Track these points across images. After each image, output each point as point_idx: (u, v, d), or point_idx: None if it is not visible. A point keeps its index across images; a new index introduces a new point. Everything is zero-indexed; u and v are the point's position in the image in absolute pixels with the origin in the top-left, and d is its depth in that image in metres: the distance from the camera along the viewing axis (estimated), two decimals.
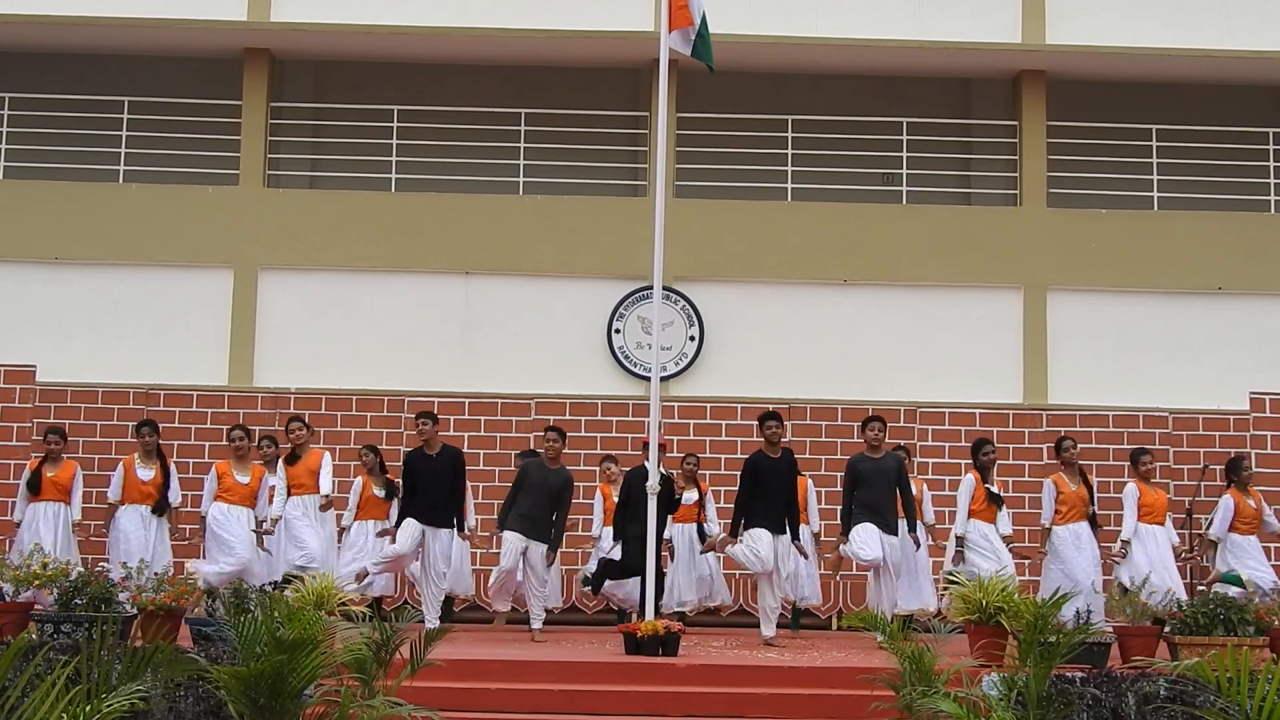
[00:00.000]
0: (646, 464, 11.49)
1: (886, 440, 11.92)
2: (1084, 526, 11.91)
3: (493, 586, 11.97)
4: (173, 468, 12.17)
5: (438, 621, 11.50)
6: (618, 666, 9.76)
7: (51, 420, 13.72)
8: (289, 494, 12.10)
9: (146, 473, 11.91)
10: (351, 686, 6.94)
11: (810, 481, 13.07)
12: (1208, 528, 12.77)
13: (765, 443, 11.52)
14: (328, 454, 12.29)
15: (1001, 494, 12.05)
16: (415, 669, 7.51)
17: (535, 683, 9.24)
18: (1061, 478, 12.03)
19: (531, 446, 13.42)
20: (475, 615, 13.64)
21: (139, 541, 11.72)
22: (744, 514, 11.37)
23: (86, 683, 5.34)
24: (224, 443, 12.42)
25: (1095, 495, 12.08)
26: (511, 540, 11.63)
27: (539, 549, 11.60)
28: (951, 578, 10.49)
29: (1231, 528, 12.07)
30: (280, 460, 12.27)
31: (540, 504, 11.63)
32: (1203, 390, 15.10)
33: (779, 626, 11.83)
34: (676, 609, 12.74)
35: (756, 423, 11.89)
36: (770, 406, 14.31)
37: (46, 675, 5.23)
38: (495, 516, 13.23)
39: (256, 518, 11.94)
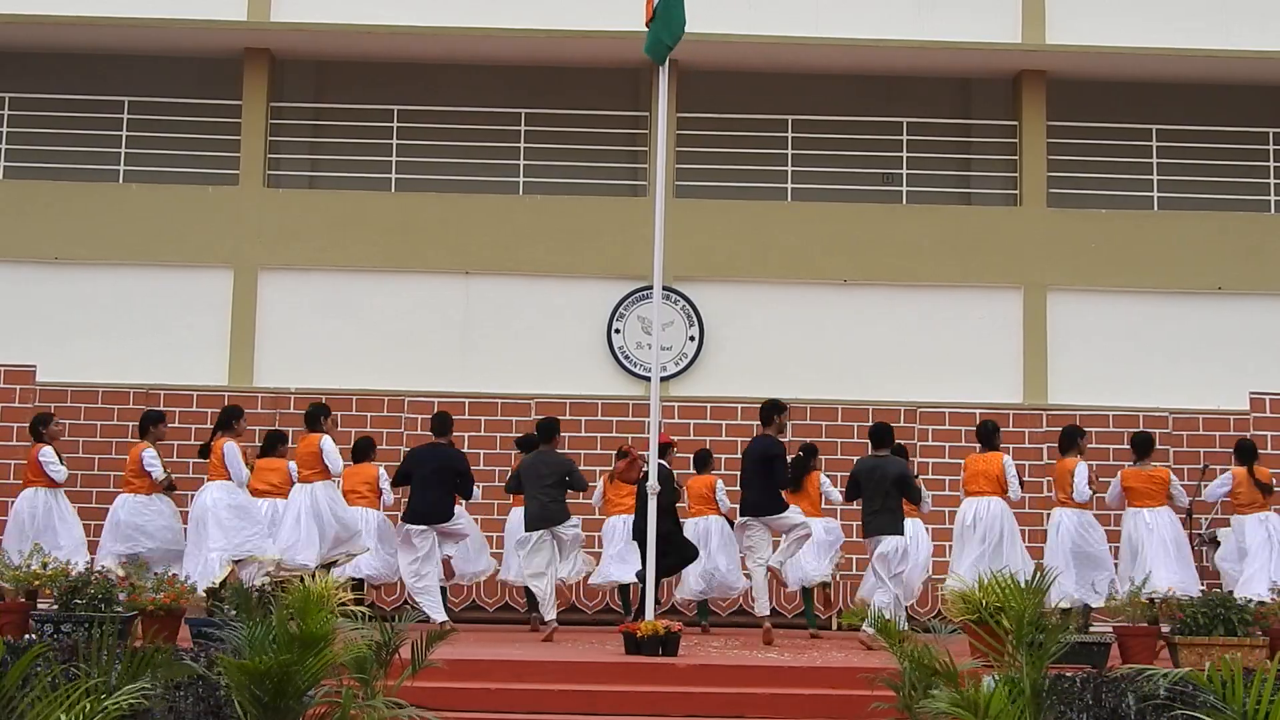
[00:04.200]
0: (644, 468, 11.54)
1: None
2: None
3: (540, 600, 11.89)
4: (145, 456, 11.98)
5: (443, 617, 11.54)
6: (618, 666, 9.76)
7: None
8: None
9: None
10: (352, 687, 6.94)
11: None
12: (1207, 526, 12.79)
13: (776, 430, 11.74)
14: (327, 438, 12.23)
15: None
16: (416, 669, 7.51)
17: (535, 683, 9.25)
18: None
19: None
20: (475, 615, 13.64)
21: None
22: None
23: (85, 680, 5.33)
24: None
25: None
26: (534, 541, 11.62)
27: (557, 531, 11.65)
28: None
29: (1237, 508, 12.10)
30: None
31: (546, 488, 11.61)
32: (1203, 390, 15.10)
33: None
34: (691, 597, 12.75)
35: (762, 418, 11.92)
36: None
37: (45, 675, 5.23)
38: (496, 517, 13.27)
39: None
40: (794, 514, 11.75)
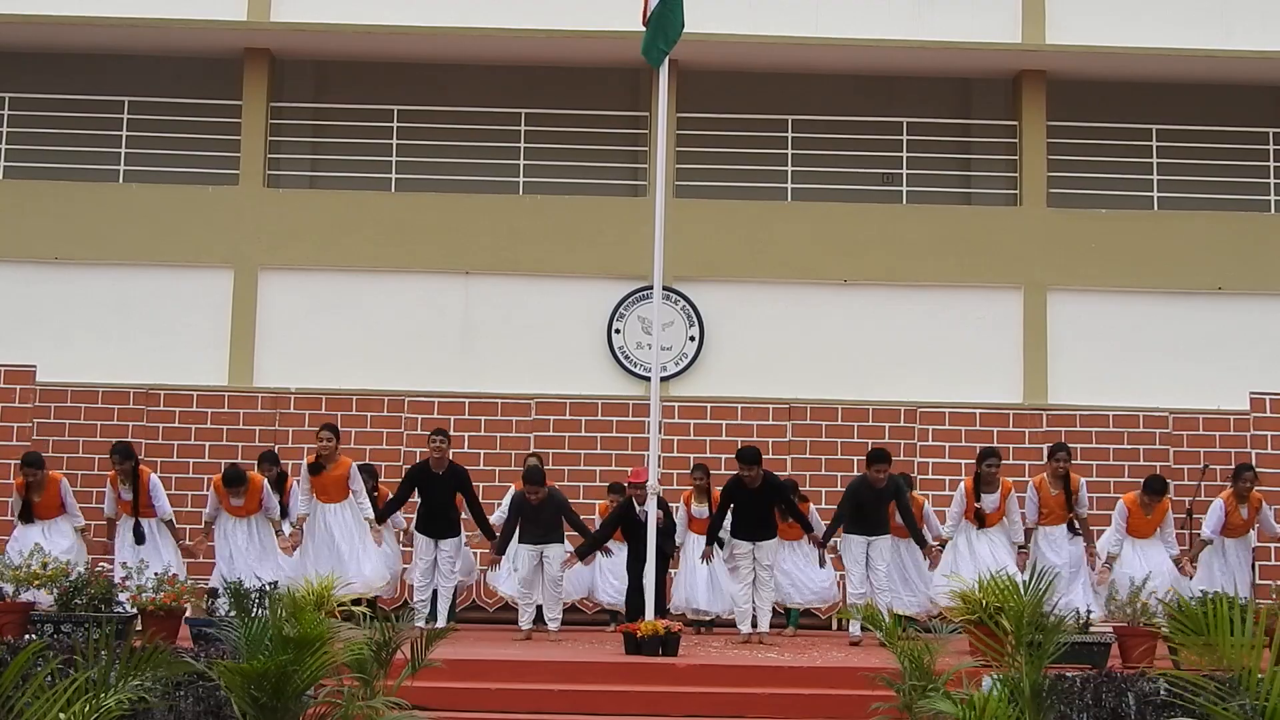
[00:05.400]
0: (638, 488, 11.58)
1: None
2: (1061, 530, 11.87)
3: (518, 600, 12.03)
4: (152, 483, 11.72)
5: (447, 620, 11.60)
6: (618, 666, 9.76)
7: (51, 420, 13.73)
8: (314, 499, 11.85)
9: (126, 494, 11.73)
10: (352, 687, 6.94)
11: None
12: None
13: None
14: (355, 465, 12.02)
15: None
16: (416, 669, 7.50)
17: (535, 683, 9.25)
18: (1045, 481, 11.97)
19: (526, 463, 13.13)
20: (475, 615, 13.64)
21: (133, 552, 11.64)
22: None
23: (84, 680, 5.33)
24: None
25: (1077, 501, 11.91)
26: (525, 554, 11.82)
27: (554, 550, 11.78)
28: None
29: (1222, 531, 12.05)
30: (304, 466, 11.84)
31: (545, 514, 11.78)
32: (1203, 390, 15.08)
33: (773, 626, 11.90)
34: (691, 616, 12.69)
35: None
36: (770, 408, 14.40)
37: (41, 674, 5.22)
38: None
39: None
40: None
